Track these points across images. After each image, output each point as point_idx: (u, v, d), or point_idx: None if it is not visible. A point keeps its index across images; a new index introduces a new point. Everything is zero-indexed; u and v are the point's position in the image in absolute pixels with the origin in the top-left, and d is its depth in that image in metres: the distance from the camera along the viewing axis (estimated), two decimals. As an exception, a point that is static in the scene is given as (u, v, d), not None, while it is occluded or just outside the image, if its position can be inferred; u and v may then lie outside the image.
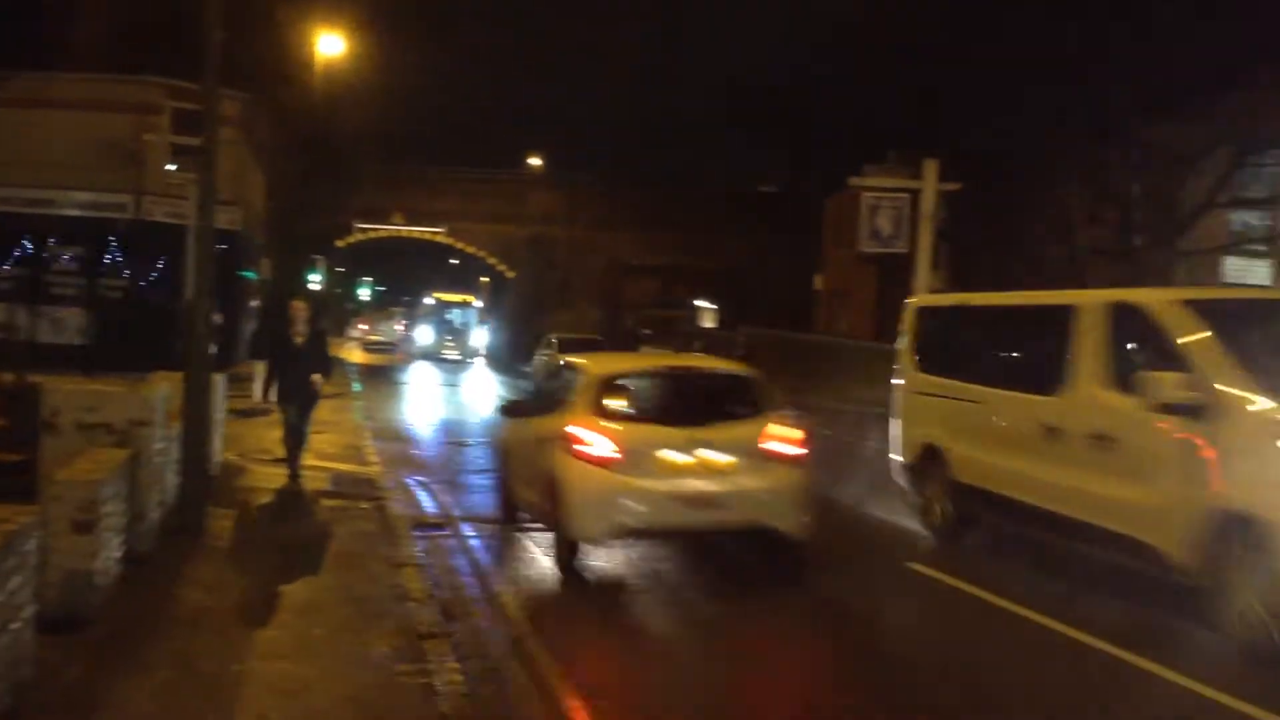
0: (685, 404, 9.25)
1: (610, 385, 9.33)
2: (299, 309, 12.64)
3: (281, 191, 40.89)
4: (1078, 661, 6.93)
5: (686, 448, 8.64)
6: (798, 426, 9.06)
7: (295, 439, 12.30)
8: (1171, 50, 21.36)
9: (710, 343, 37.92)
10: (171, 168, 27.99)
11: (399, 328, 61.99)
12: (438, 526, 10.71)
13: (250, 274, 36.11)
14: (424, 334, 50.96)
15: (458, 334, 50.71)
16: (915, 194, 23.88)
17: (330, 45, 32.64)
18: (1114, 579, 8.22)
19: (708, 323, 57.02)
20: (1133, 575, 7.95)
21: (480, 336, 51.68)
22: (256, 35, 30.92)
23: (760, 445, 8.81)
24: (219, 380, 12.71)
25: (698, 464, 8.63)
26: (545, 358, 26.94)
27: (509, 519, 10.71)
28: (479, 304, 53.15)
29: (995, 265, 31.79)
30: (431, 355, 48.20)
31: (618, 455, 8.56)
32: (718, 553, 9.50)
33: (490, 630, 7.35)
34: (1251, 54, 22.04)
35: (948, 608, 8.49)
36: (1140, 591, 7.92)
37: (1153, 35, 21.48)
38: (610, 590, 8.54)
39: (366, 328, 67.46)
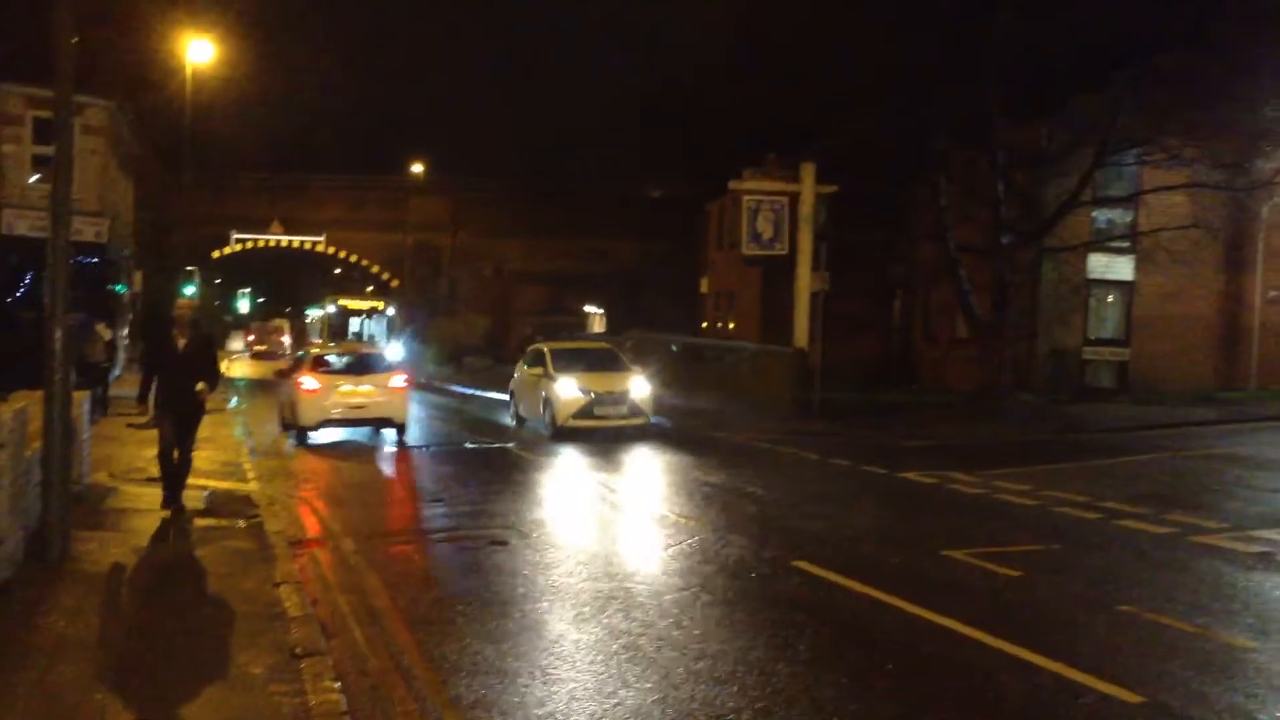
0: (358, 367, 20.59)
1: (319, 359, 20.82)
2: (184, 308, 11.66)
3: (153, 202, 39.68)
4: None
5: (354, 385, 19.42)
6: (405, 376, 20.31)
7: (176, 461, 11.08)
8: (1033, 52, 22.07)
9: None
10: (34, 179, 27.01)
11: (285, 339, 60.07)
12: (318, 542, 10.49)
13: (121, 287, 34.95)
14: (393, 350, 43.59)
15: (369, 345, 46.66)
16: (794, 197, 24.30)
17: (201, 51, 31.82)
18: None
19: (597, 328, 57.14)
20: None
21: (394, 350, 45.14)
22: (124, 41, 29.98)
23: (387, 384, 19.66)
24: (83, 398, 12.28)
25: (357, 393, 19.28)
26: (536, 375, 20.94)
27: (282, 426, 20.59)
28: (391, 311, 46.90)
29: (875, 265, 32.58)
30: None
31: (318, 389, 19.16)
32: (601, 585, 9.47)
33: (371, 647, 7.21)
34: (1110, 56, 22.91)
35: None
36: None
37: (1015, 38, 22.15)
38: (496, 602, 8.45)
39: (253, 338, 66.14)
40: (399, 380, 19.74)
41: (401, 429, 19.56)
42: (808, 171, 23.85)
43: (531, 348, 23.08)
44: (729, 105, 30.98)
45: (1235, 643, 7.29)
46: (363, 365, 20.70)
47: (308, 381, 19.15)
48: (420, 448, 19.24)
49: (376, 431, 20.37)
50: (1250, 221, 26.68)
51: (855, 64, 24.46)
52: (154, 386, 11.22)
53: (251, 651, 6.76)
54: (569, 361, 20.76)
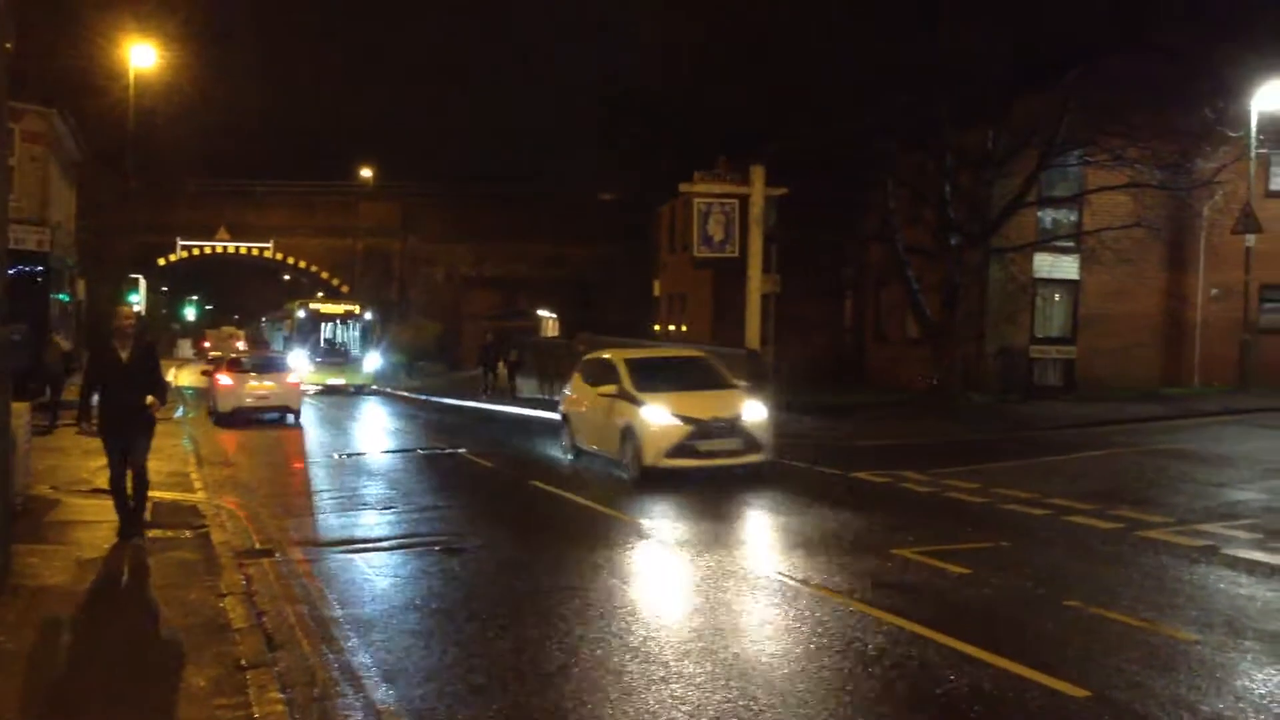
0: (263, 367, 26.18)
1: (233, 361, 27.01)
2: (126, 316, 10.63)
3: (96, 209, 39.07)
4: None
5: (259, 381, 25.02)
6: (297, 375, 26.59)
7: (129, 485, 10.25)
8: (978, 57, 22.30)
9: (542, 352, 38.00)
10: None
11: (240, 345, 59.00)
12: (265, 553, 10.35)
13: (64, 296, 34.38)
14: (296, 358, 34.84)
15: (342, 356, 39.14)
16: (745, 199, 24.37)
17: (144, 56, 31.38)
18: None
19: (550, 332, 56.98)
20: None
21: (373, 360, 40.66)
22: (65, 47, 29.48)
23: (285, 380, 25.35)
24: (24, 409, 12.04)
25: (261, 387, 24.88)
26: (607, 396, 15.87)
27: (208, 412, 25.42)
28: (369, 315, 40.80)
29: (825, 267, 32.74)
30: (309, 385, 34.95)
31: (231, 383, 25.01)
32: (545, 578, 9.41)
33: (317, 658, 7.12)
34: (1053, 59, 23.23)
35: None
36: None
37: (960, 43, 22.39)
38: (439, 614, 8.39)
39: (209, 345, 65.62)
40: (293, 378, 26.35)
41: (296, 414, 25.24)
42: (758, 174, 23.92)
43: (592, 358, 17.85)
44: (681, 108, 31.01)
45: (1179, 636, 7.39)
46: (267, 366, 26.84)
47: (224, 378, 25.59)
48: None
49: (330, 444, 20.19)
50: (1192, 220, 27.10)
51: (805, 68, 24.59)
52: (95, 402, 10.42)
53: (195, 664, 6.65)
54: (652, 377, 15.68)
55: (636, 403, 14.92)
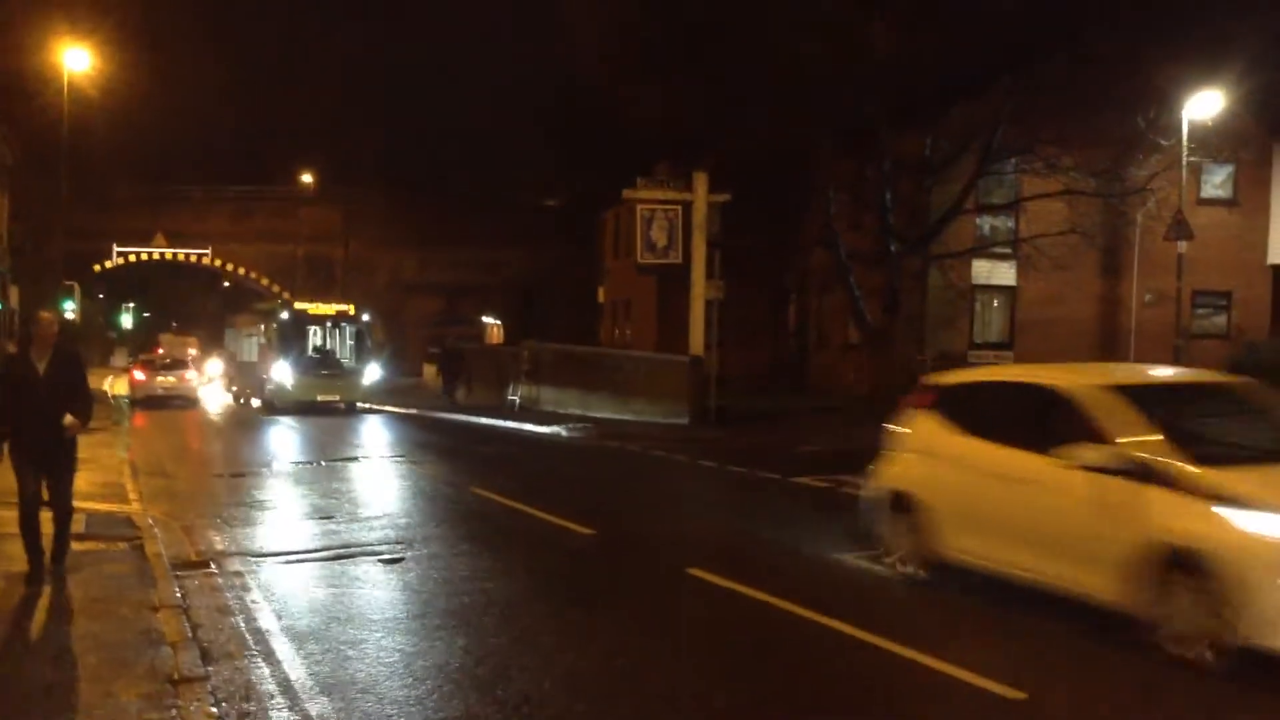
0: (168, 367, 37.40)
1: (145, 361, 39.01)
2: (45, 323, 9.20)
3: (29, 215, 38.30)
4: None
5: (166, 375, 36.05)
6: (197, 371, 39.40)
7: (55, 519, 9.08)
8: (917, 64, 22.57)
9: (487, 358, 37.86)
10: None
11: (192, 351, 57.82)
12: (201, 564, 10.17)
13: (-5, 304, 33.63)
14: (278, 370, 31.74)
15: (335, 367, 32.86)
16: (688, 205, 24.47)
17: (78, 59, 30.83)
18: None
19: (495, 339, 56.75)
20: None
21: (372, 371, 33.85)
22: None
23: (183, 376, 36.25)
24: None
25: (169, 379, 35.73)
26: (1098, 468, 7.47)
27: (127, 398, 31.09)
28: (366, 317, 33.85)
29: (768, 273, 32.96)
30: (293, 402, 31.14)
31: (145, 378, 35.66)
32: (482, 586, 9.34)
33: (253, 671, 7.01)
34: (990, 66, 23.57)
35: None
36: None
37: (899, 50, 22.65)
38: (384, 624, 8.30)
39: (163, 351, 64.95)
40: (192, 374, 37.27)
41: (195, 403, 34.73)
42: (700, 180, 24.05)
43: (985, 380, 9.96)
44: (623, 114, 31.03)
45: (1112, 638, 7.48)
46: (172, 365, 37.97)
47: (138, 374, 36.51)
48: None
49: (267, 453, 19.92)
50: (1126, 227, 27.65)
51: (746, 74, 24.73)
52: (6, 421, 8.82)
53: (126, 679, 6.51)
54: (1188, 427, 7.81)
55: (1203, 493, 6.96)
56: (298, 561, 10.45)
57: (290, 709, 6.31)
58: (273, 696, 6.51)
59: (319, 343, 33.14)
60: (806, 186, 26.56)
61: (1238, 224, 29.36)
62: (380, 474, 17.63)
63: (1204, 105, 25.46)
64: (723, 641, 7.78)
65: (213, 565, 10.17)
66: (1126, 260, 28.60)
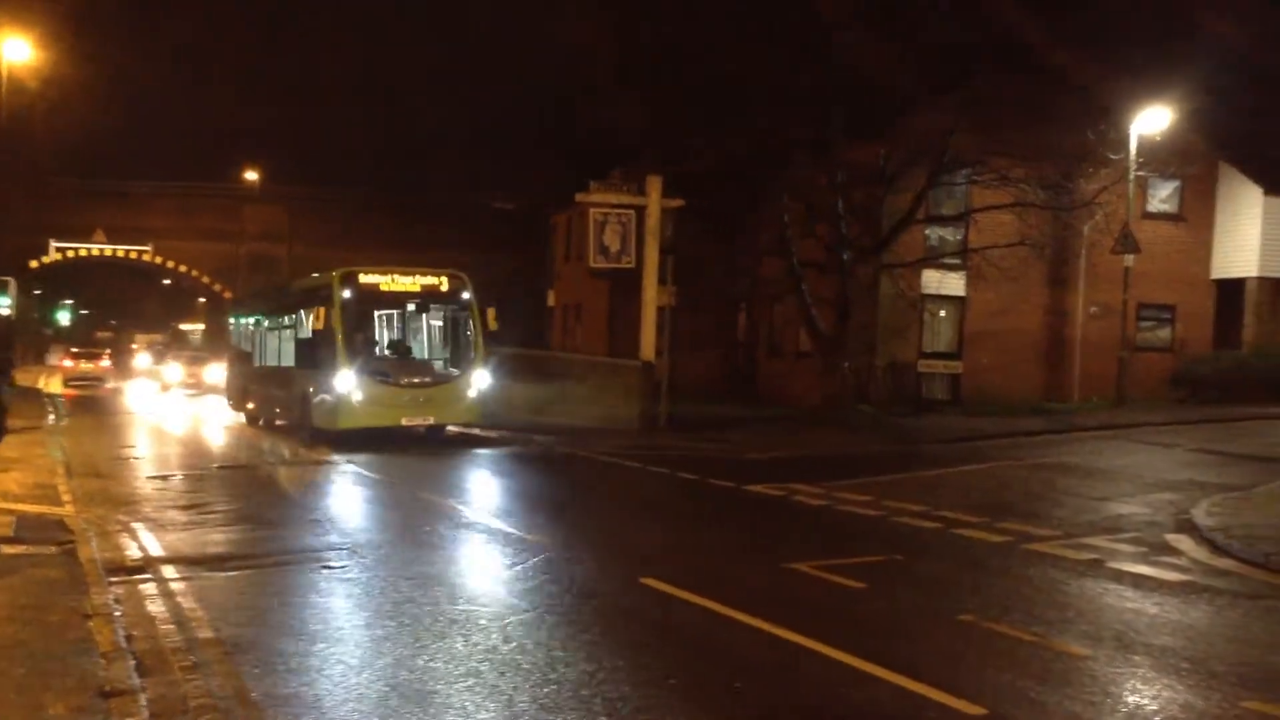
0: (88, 356, 56.32)
1: (71, 351, 58.01)
2: None
3: (-38, 208, 37.28)
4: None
5: (84, 363, 54.30)
6: (110, 363, 56.56)
7: None
8: (870, 74, 22.64)
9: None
10: None
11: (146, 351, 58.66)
12: (137, 570, 9.81)
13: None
14: (343, 380, 20.54)
15: (423, 371, 22.07)
16: (641, 210, 24.32)
17: (15, 50, 30.06)
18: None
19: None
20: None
21: (481, 378, 22.02)
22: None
23: (98, 365, 54.38)
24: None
25: (87, 368, 53.74)
26: None
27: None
28: (466, 295, 21.76)
29: (720, 279, 32.90)
30: (360, 427, 20.69)
31: (72, 365, 54.29)
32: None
33: (190, 684, 6.71)
34: (942, 78, 23.71)
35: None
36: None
37: (852, 59, 22.70)
38: (322, 637, 8.04)
39: (137, 347, 66.02)
40: (106, 361, 53.45)
41: (104, 381, 44.45)
42: (654, 185, 23.92)
43: None
44: (577, 119, 30.86)
45: (1071, 650, 7.43)
46: (92, 354, 54.44)
47: (66, 363, 52.84)
48: None
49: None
50: (1073, 240, 27.96)
51: (701, 82, 24.69)
52: None
53: (54, 691, 6.20)
54: None
55: None
56: (238, 568, 10.11)
57: (228, 724, 6.04)
58: (209, 711, 6.23)
59: (397, 335, 22.84)
60: (760, 195, 26.53)
61: (1183, 238, 29.77)
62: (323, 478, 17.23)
63: (1152, 121, 25.87)
64: (673, 653, 7.60)
65: (149, 571, 9.81)
66: (1073, 273, 28.89)
